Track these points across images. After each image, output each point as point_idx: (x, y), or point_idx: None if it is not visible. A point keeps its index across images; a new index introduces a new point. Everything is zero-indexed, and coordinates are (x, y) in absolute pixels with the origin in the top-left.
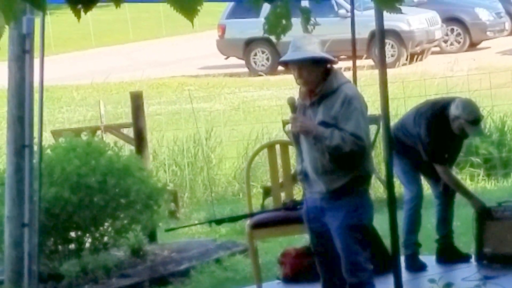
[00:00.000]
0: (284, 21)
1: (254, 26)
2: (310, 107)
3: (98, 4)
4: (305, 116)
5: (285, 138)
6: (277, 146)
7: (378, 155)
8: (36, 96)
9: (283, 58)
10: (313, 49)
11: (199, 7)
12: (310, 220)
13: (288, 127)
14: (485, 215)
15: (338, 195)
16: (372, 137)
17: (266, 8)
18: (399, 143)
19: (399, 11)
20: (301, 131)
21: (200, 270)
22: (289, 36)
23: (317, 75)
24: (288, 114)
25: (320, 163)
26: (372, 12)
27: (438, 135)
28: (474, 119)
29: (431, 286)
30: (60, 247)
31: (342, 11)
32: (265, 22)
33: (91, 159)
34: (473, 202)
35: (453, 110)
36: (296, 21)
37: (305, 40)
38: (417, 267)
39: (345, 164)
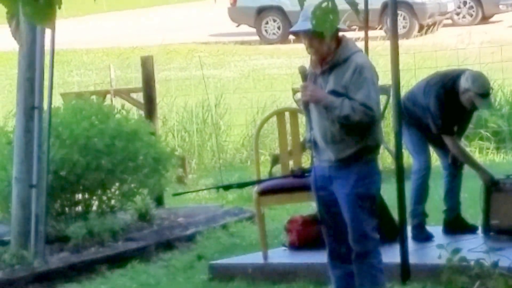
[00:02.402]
0: (331, 16)
1: None
2: (321, 76)
3: None
4: (316, 84)
5: (294, 106)
6: (286, 114)
7: (387, 126)
8: (47, 59)
9: (293, 29)
10: None
11: None
12: (318, 188)
13: (298, 95)
14: (493, 187)
15: (346, 164)
16: (381, 107)
17: None
18: (409, 114)
19: None
20: (311, 100)
21: (206, 236)
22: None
23: (328, 45)
24: (298, 83)
25: (330, 131)
26: None
27: (447, 107)
28: (483, 92)
29: (439, 251)
30: (67, 209)
31: None
32: (312, 17)
33: (99, 122)
34: (481, 174)
35: (463, 83)
36: None
37: None
38: (423, 237)
39: (354, 133)
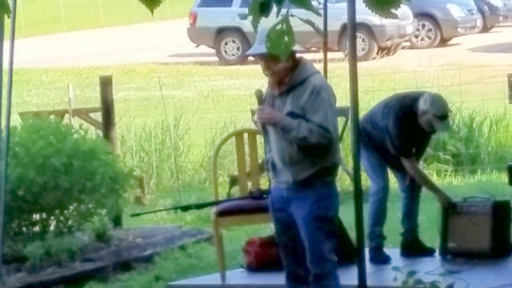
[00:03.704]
0: (286, 38)
1: (225, 15)
2: (279, 97)
3: None
4: (274, 106)
5: (253, 127)
6: (245, 135)
7: (346, 148)
8: (5, 78)
9: (249, 52)
10: None
11: None
12: (276, 209)
13: (257, 118)
14: (450, 209)
15: (304, 185)
16: (340, 129)
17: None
18: (367, 136)
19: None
20: (268, 122)
21: (164, 256)
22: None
23: (285, 67)
24: (257, 104)
25: (287, 153)
26: (344, 5)
27: (406, 129)
28: (442, 114)
29: (395, 274)
30: (24, 229)
31: (314, 3)
32: (267, 40)
33: (57, 141)
34: (439, 197)
35: (422, 105)
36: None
37: None
38: (381, 259)
39: (312, 155)
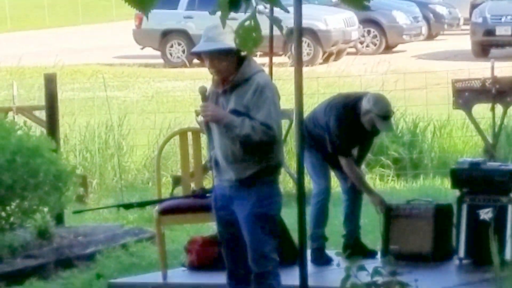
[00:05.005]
0: (254, 34)
1: (171, 18)
2: (223, 95)
3: None
4: (218, 104)
5: (197, 127)
6: (189, 135)
7: (289, 151)
8: None
9: (195, 49)
10: (224, 39)
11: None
12: (218, 208)
13: (201, 117)
14: (391, 211)
15: (247, 184)
16: (284, 131)
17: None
18: (310, 135)
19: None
20: (211, 119)
21: (106, 255)
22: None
23: (229, 64)
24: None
25: (231, 150)
26: (290, 9)
27: (347, 128)
28: (384, 113)
29: (336, 275)
30: None
31: (260, 7)
32: (236, 36)
33: (0, 138)
34: (373, 198)
35: (365, 104)
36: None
37: (217, 30)
38: (323, 260)
39: (255, 153)
